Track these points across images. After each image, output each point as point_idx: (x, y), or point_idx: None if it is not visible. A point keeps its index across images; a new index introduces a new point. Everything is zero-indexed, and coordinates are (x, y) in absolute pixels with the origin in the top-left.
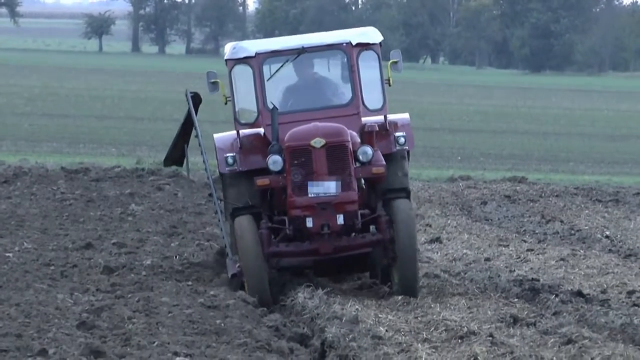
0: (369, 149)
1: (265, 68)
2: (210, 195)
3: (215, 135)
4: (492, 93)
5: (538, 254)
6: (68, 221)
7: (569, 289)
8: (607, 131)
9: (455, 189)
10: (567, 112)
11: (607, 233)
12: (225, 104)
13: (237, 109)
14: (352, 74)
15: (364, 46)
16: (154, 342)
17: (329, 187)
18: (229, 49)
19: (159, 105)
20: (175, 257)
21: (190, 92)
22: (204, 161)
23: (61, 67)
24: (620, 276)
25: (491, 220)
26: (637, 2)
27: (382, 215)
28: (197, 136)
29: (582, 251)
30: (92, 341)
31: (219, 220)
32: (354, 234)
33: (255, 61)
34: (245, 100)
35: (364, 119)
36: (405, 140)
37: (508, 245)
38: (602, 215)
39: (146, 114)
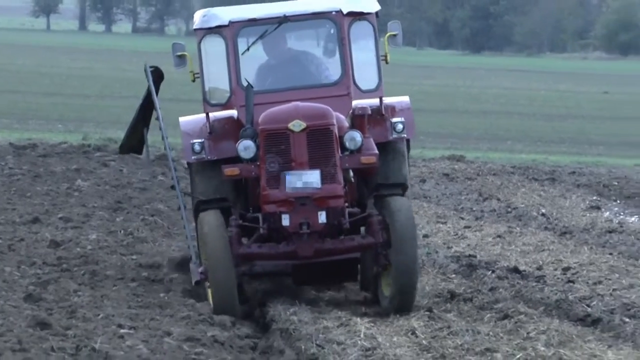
0: (357, 135)
1: (241, 40)
2: (173, 187)
3: (181, 119)
4: (433, 73)
5: (475, 231)
6: (15, 196)
7: (505, 265)
8: (544, 111)
9: None
10: (506, 92)
11: (543, 211)
12: (193, 81)
13: (206, 88)
14: (342, 48)
15: (356, 15)
16: (99, 315)
17: (309, 178)
18: (199, 16)
19: (105, 83)
20: (120, 231)
21: (150, 67)
22: (165, 148)
23: (9, 45)
24: (556, 253)
25: (430, 197)
26: None
27: (374, 215)
28: (157, 118)
29: (518, 228)
30: (39, 313)
31: (182, 218)
32: (342, 236)
33: (228, 31)
34: (217, 77)
35: (355, 102)
36: (403, 127)
37: (446, 222)
38: (538, 193)
39: (93, 92)
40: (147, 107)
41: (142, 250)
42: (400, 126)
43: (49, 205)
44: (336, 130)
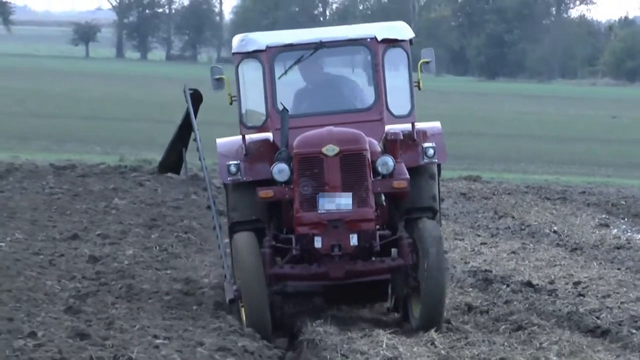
0: (389, 160)
1: (277, 64)
2: (209, 207)
3: (218, 140)
4: (450, 98)
5: (491, 247)
6: (56, 214)
7: (519, 279)
8: (555, 134)
9: None
10: (519, 116)
11: (555, 228)
12: (231, 104)
13: (243, 111)
14: (376, 74)
15: (391, 42)
16: (135, 326)
17: (341, 202)
18: (237, 41)
19: (140, 107)
20: (155, 247)
21: (190, 89)
22: (202, 169)
23: (50, 71)
24: (567, 268)
25: (448, 215)
26: (584, 15)
27: (404, 238)
28: (195, 139)
29: (531, 245)
30: (78, 324)
31: (217, 237)
32: (374, 257)
33: (265, 56)
34: (254, 100)
35: (387, 127)
36: (434, 152)
37: (463, 239)
38: (550, 211)
39: (128, 115)
40: (185, 128)
41: (176, 265)
42: (431, 151)
43: (87, 223)
44: (369, 155)
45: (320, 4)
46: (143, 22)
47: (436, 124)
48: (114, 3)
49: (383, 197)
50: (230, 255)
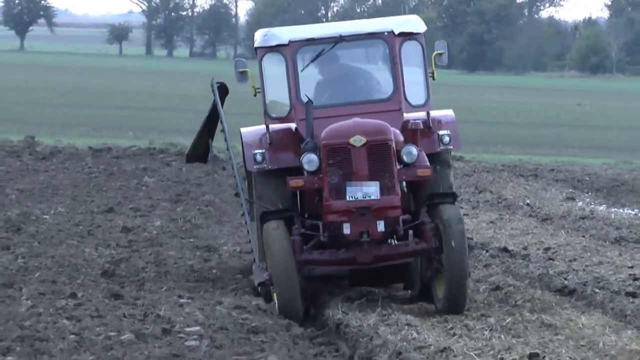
0: (414, 149)
1: (299, 57)
2: (237, 195)
3: (243, 130)
4: (436, 89)
5: (472, 218)
6: (94, 190)
7: (497, 246)
8: (529, 120)
9: None
10: (497, 105)
11: (528, 201)
12: (255, 95)
13: (267, 102)
14: (393, 66)
15: (407, 36)
16: (162, 288)
17: (369, 190)
18: (260, 36)
19: (167, 98)
20: (180, 219)
21: (217, 82)
22: (230, 158)
23: (88, 67)
24: (538, 236)
25: None
26: (553, 16)
27: (427, 222)
28: (222, 130)
29: (507, 216)
30: (113, 286)
31: (246, 223)
32: (391, 241)
33: (288, 50)
34: (277, 92)
35: (406, 116)
36: (450, 140)
37: None
38: (524, 187)
39: (157, 105)
40: (212, 119)
41: (198, 234)
42: (447, 138)
43: (121, 198)
44: (394, 145)
45: (322, 7)
46: (169, 24)
47: (449, 112)
48: (144, 7)
49: (404, 184)
50: (261, 241)
